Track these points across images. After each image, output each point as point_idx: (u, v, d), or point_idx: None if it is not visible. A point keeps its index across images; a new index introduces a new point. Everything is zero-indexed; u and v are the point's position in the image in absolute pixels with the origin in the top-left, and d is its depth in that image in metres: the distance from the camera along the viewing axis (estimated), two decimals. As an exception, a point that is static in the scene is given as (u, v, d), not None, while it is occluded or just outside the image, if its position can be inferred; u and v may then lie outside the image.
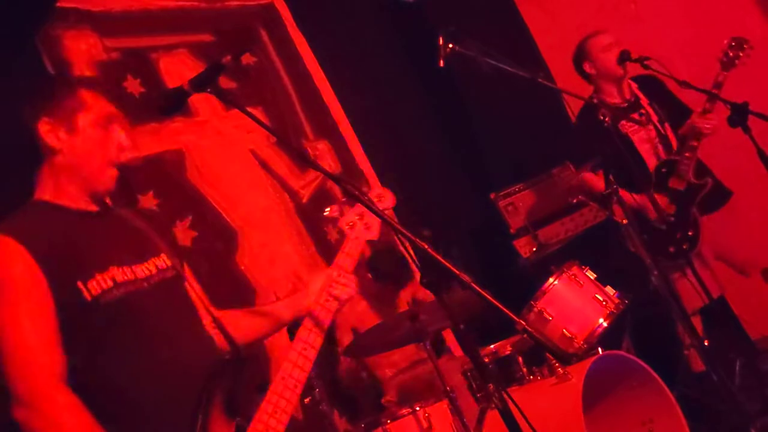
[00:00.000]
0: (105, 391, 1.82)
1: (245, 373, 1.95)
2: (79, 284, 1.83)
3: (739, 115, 3.22)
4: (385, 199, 2.20)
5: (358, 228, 2.13)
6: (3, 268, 1.81)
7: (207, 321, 2.06)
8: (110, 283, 1.87)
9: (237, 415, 1.89)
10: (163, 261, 2.03)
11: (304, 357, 1.98)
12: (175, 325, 1.96)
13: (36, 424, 1.72)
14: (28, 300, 1.79)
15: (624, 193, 3.49)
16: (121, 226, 2.06)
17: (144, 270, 1.96)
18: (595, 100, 3.49)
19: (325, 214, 2.20)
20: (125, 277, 1.91)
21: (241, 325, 2.18)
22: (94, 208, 2.02)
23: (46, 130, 1.95)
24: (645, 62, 3.40)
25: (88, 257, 1.89)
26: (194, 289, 2.09)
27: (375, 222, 2.14)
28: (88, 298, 1.83)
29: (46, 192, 1.98)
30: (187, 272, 2.17)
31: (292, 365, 1.95)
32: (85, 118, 1.96)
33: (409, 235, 1.72)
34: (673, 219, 3.72)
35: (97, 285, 1.85)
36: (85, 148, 1.96)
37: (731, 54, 3.55)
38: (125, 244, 2.00)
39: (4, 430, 1.78)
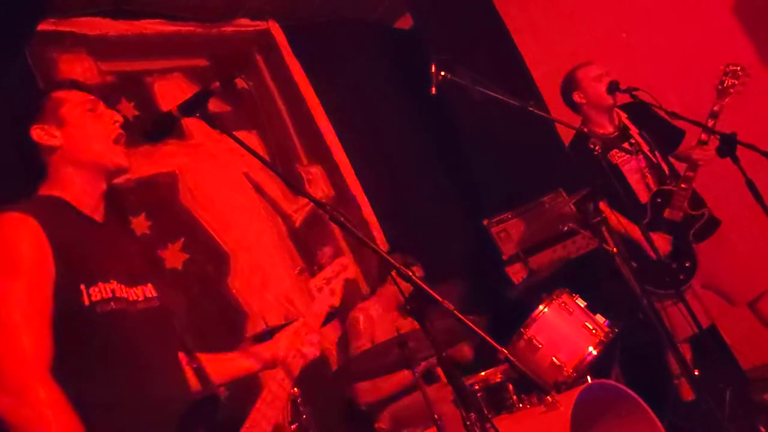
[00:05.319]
0: (82, 406, 1.72)
1: (220, 412, 1.97)
2: (82, 286, 1.80)
3: (727, 146, 3.23)
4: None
5: (324, 292, 2.32)
6: (15, 241, 1.77)
7: (185, 358, 2.07)
8: (110, 294, 1.85)
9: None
10: (150, 291, 2.03)
11: (273, 407, 2.07)
12: (158, 355, 1.94)
13: (18, 415, 1.61)
14: (31, 280, 1.74)
15: (615, 218, 3.49)
16: (120, 245, 2.07)
17: (134, 294, 1.96)
18: (586, 130, 3.51)
19: (296, 271, 2.40)
20: (122, 294, 1.90)
21: (217, 367, 2.24)
22: (99, 218, 2.04)
23: (39, 134, 2.00)
24: (634, 92, 3.41)
25: (94, 263, 1.88)
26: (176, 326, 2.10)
27: (339, 288, 2.34)
28: (86, 302, 1.80)
29: (56, 188, 1.99)
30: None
31: (261, 415, 2.04)
32: (69, 109, 2.04)
33: (393, 262, 1.72)
34: (671, 252, 3.72)
35: (98, 292, 1.83)
36: (81, 132, 2.02)
37: (726, 82, 3.53)
38: (123, 263, 2.00)
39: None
